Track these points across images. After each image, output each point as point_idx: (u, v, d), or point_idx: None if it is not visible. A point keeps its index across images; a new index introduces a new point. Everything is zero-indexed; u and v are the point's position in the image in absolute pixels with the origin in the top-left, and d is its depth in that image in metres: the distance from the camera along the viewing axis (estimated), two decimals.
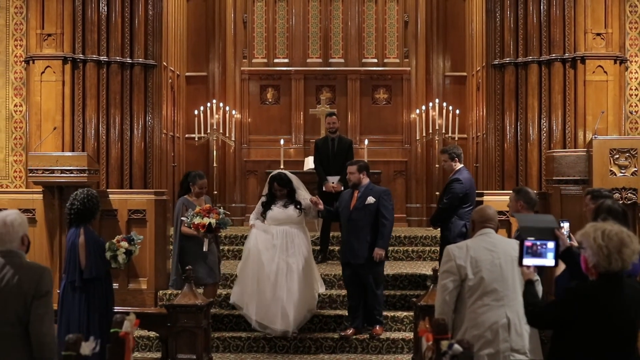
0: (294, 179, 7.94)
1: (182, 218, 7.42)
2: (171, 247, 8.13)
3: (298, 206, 7.78)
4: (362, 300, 7.60)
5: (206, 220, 7.17)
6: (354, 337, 7.58)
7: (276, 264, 7.57)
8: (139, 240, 6.62)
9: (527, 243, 3.94)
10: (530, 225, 4.18)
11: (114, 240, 6.45)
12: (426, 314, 5.94)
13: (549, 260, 3.96)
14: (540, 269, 4.26)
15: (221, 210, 7.37)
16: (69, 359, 3.46)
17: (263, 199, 8.00)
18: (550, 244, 3.94)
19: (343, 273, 7.80)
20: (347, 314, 7.80)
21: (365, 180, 7.63)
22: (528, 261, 3.95)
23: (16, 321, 3.84)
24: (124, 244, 6.42)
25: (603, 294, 3.52)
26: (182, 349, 6.63)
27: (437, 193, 11.98)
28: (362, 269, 7.47)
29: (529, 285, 3.90)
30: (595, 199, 5.55)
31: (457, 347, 3.42)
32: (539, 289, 4.55)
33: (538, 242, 3.93)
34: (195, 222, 7.21)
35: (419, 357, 6.02)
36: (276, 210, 7.78)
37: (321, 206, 7.77)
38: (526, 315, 3.85)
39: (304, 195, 7.90)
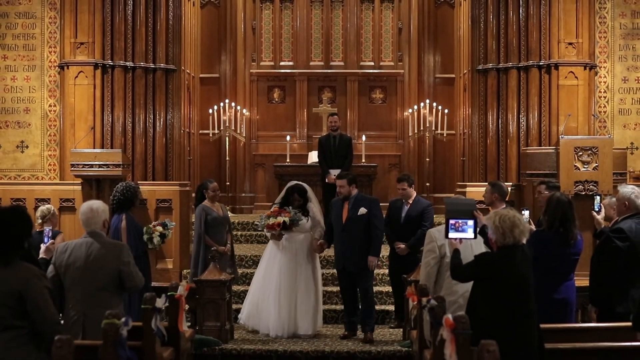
0: (309, 190, 8.14)
1: (256, 223, 7.98)
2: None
3: (306, 214, 7.89)
4: (357, 304, 7.72)
5: (280, 219, 7.61)
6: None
7: (278, 271, 7.78)
8: (172, 226, 7.62)
9: (452, 222, 5.07)
10: (455, 208, 5.18)
11: (151, 225, 7.42)
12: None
13: (469, 234, 5.09)
14: None
15: (290, 209, 7.76)
16: (147, 310, 4.60)
17: (276, 207, 8.04)
18: (470, 222, 5.06)
19: (339, 278, 7.91)
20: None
21: (354, 191, 7.73)
22: (452, 235, 5.09)
23: (104, 285, 4.89)
24: (159, 228, 7.38)
25: (499, 261, 4.67)
26: (208, 318, 7.37)
27: (428, 184, 12.81)
28: (356, 276, 7.61)
29: (455, 251, 5.07)
30: (550, 189, 6.77)
31: (433, 301, 4.59)
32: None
33: (460, 221, 5.04)
34: (271, 223, 7.65)
35: (409, 324, 7.02)
36: None
37: (326, 245, 7.86)
38: (451, 272, 5.06)
39: (314, 207, 8.05)
